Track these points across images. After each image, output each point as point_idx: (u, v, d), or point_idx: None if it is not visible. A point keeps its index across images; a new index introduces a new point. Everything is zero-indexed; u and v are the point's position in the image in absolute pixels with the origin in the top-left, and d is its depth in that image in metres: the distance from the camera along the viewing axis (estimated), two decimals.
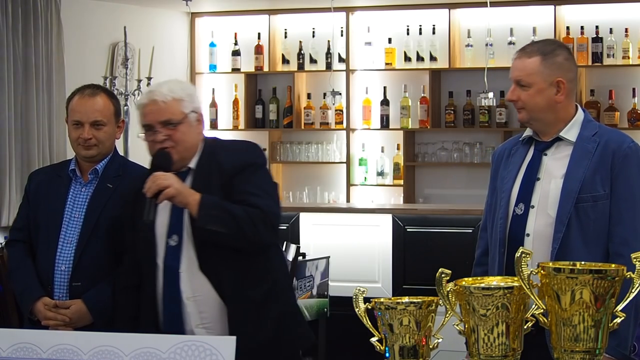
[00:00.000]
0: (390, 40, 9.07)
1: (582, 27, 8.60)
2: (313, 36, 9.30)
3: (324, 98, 9.20)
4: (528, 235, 3.48)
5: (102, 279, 3.97)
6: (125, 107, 8.07)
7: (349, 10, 9.12)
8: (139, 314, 3.67)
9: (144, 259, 3.63)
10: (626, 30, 8.49)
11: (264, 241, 3.58)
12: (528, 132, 3.62)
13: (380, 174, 9.12)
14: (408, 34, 9.02)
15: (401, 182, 9.01)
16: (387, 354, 2.63)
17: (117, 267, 3.95)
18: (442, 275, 2.60)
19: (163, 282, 3.58)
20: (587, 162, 3.46)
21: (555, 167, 3.51)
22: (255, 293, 3.55)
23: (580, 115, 3.57)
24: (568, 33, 8.62)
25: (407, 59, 9.04)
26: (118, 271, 3.82)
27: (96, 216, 3.99)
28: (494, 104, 8.38)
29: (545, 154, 3.55)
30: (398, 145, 9.07)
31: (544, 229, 3.46)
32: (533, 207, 3.49)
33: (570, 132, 3.53)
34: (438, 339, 2.65)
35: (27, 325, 4.01)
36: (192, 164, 3.63)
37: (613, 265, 2.46)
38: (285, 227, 7.14)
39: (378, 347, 2.66)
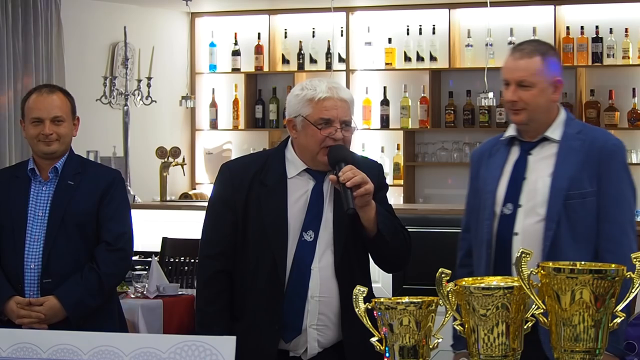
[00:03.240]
0: (390, 40, 9.07)
1: (582, 27, 8.60)
2: (313, 36, 9.30)
3: None
4: (516, 234, 3.49)
5: (72, 274, 4.01)
6: (126, 107, 8.07)
7: (349, 10, 9.13)
8: (233, 302, 3.55)
9: (266, 250, 3.47)
10: (626, 30, 8.49)
11: (407, 263, 3.61)
12: (510, 132, 3.61)
13: None
14: (408, 34, 9.03)
15: (401, 182, 9.01)
16: (387, 354, 2.63)
17: (90, 260, 4.02)
18: (442, 275, 2.60)
19: (289, 276, 3.44)
20: (574, 160, 3.48)
21: (541, 166, 3.52)
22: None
23: (563, 114, 3.58)
24: (568, 33, 8.62)
25: (407, 59, 9.04)
26: (206, 254, 3.61)
27: (61, 213, 4.04)
28: (494, 104, 8.38)
29: (530, 154, 3.55)
30: (398, 145, 9.07)
31: (532, 228, 3.47)
32: (521, 206, 3.50)
33: (556, 132, 3.54)
34: (438, 339, 2.65)
35: None
36: None
37: (613, 265, 2.46)
38: None
39: (378, 347, 2.66)
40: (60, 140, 4.07)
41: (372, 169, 3.57)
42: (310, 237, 3.46)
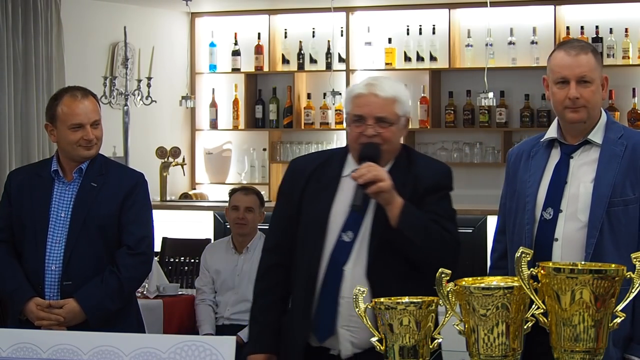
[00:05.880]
0: (390, 40, 9.07)
1: (582, 27, 8.60)
2: (313, 36, 9.30)
3: (324, 98, 9.20)
4: (557, 240, 3.38)
5: (92, 277, 4.00)
6: (126, 107, 8.07)
7: (349, 10, 9.13)
8: (287, 296, 3.58)
9: (306, 247, 3.49)
10: (626, 30, 8.49)
11: (448, 267, 3.47)
12: (552, 133, 3.49)
13: None
14: (408, 34, 9.03)
15: None
16: (387, 354, 2.64)
17: (110, 263, 4.00)
18: (442, 275, 2.60)
19: (324, 275, 3.44)
20: (617, 166, 3.38)
21: (583, 171, 3.42)
22: None
23: (604, 116, 3.48)
24: (568, 33, 8.62)
25: (407, 59, 9.04)
26: (265, 247, 3.68)
27: (83, 215, 4.03)
28: (494, 104, 8.38)
29: (572, 157, 3.45)
30: None
31: (573, 234, 3.37)
32: (562, 211, 3.40)
33: (597, 135, 3.44)
34: (438, 339, 2.65)
35: (15, 326, 4.00)
36: (386, 168, 3.47)
37: (613, 265, 2.46)
38: None
39: (378, 347, 2.67)
40: (97, 144, 4.09)
41: (437, 170, 3.56)
42: (349, 238, 3.44)
